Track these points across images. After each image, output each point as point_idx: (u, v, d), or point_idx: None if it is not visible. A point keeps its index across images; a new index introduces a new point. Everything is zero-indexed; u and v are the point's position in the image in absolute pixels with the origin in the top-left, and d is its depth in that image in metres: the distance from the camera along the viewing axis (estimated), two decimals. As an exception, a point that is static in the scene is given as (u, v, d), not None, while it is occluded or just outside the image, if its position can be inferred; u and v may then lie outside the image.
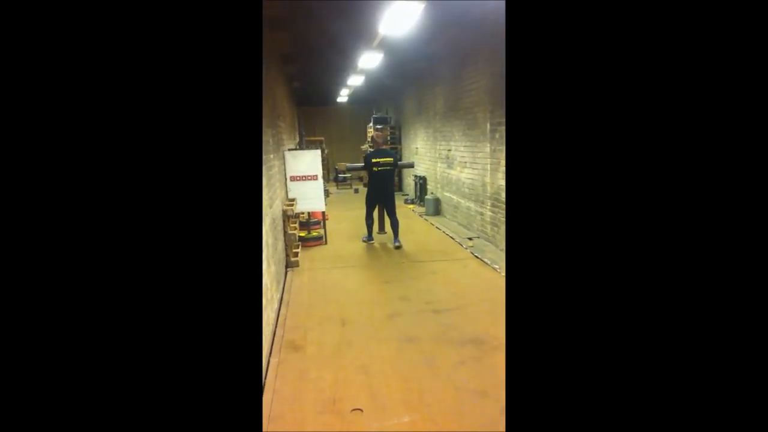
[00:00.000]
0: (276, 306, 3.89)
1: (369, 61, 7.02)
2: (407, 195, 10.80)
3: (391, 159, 6.12)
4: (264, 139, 3.76)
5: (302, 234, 6.32)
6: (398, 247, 6.04)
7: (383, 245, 6.33)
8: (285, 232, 5.11)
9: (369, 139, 6.42)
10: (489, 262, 5.20)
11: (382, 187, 6.12)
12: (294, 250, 5.40)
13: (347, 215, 8.72)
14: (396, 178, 11.77)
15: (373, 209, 6.37)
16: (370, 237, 6.47)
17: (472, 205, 6.80)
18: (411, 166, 7.58)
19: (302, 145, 9.79)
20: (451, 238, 6.58)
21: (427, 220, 8.09)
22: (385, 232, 6.67)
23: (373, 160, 6.03)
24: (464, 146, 6.95)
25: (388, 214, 6.29)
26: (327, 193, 9.34)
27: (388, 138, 11.49)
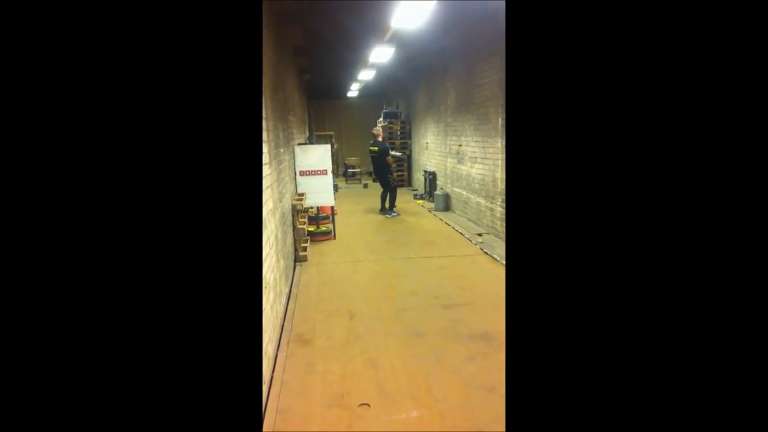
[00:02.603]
0: (284, 300, 3.91)
1: (380, 55, 6.99)
2: (416, 190, 10.76)
3: (377, 148, 8.24)
4: (275, 133, 3.76)
5: (311, 228, 6.33)
6: (382, 212, 8.23)
7: (392, 240, 6.33)
8: (294, 227, 5.12)
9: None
10: (498, 258, 5.17)
11: (375, 166, 8.66)
12: (303, 245, 5.42)
13: (356, 210, 8.72)
14: (405, 173, 11.84)
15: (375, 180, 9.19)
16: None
17: (482, 201, 6.76)
18: (397, 155, 8.99)
19: (312, 140, 9.81)
20: (461, 233, 6.56)
21: (436, 215, 8.06)
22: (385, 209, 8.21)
23: (370, 148, 8.48)
24: (475, 141, 6.91)
25: (381, 186, 8.46)
26: (336, 188, 9.35)
27: (390, 133, 11.68)
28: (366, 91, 13.95)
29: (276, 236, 3.50)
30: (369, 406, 2.48)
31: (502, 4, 5.05)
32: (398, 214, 8.05)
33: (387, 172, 8.27)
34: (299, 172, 5.79)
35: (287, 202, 4.74)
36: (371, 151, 8.40)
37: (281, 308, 3.61)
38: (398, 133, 11.75)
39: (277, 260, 3.50)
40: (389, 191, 8.19)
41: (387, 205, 8.20)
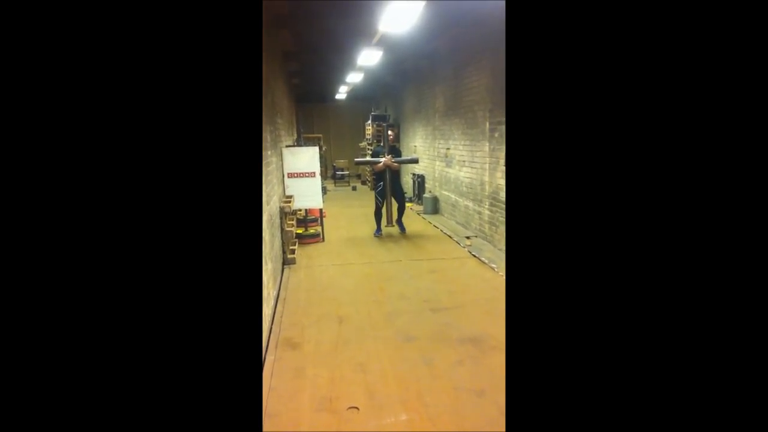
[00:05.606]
0: (272, 303, 3.87)
1: (368, 58, 7.00)
2: (405, 193, 10.76)
3: None
4: (262, 135, 3.74)
5: (299, 231, 6.30)
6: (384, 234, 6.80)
7: (382, 244, 6.32)
8: (282, 229, 5.09)
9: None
10: (487, 262, 5.19)
11: None
12: (291, 247, 5.38)
13: (345, 212, 8.70)
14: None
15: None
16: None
17: (470, 204, 6.79)
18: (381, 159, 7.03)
19: (300, 142, 9.77)
20: (449, 236, 6.57)
21: (425, 218, 8.07)
22: (393, 225, 6.96)
23: None
24: (463, 145, 6.94)
25: None
26: (325, 191, 9.32)
27: (379, 136, 11.36)
28: (355, 94, 13.95)
29: (264, 238, 3.47)
30: (358, 409, 2.47)
31: (490, 10, 5.10)
32: (380, 234, 6.73)
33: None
34: (287, 175, 5.75)
35: (275, 205, 4.71)
36: None
37: (269, 312, 3.57)
38: (389, 135, 11.73)
39: (265, 263, 3.47)
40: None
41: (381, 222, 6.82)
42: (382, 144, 7.36)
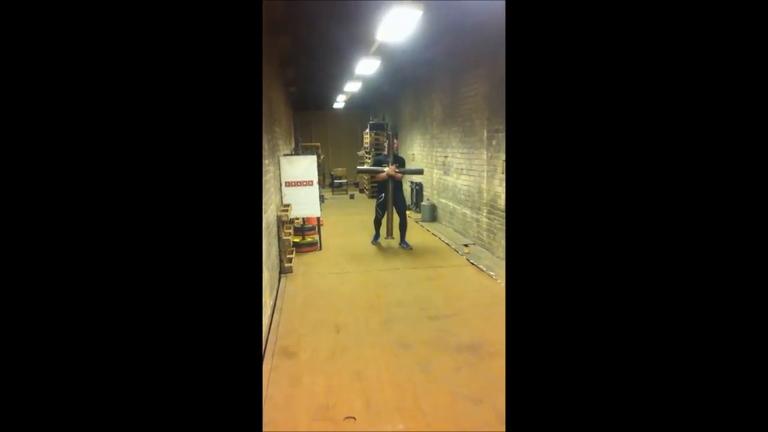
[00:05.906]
0: (269, 312, 3.85)
1: (366, 67, 7.04)
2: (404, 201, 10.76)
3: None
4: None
5: (297, 240, 6.29)
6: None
7: (379, 252, 6.31)
8: (279, 238, 5.08)
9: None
10: (485, 269, 5.18)
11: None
12: (288, 256, 5.37)
13: (343, 220, 8.69)
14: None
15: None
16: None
17: (468, 211, 6.79)
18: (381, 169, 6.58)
19: (298, 151, 9.78)
20: (447, 244, 6.56)
21: (423, 226, 8.07)
22: (392, 237, 6.52)
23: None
24: (461, 153, 6.96)
25: None
26: (322, 199, 9.31)
27: (377, 144, 11.51)
28: (352, 103, 14.01)
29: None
30: (355, 419, 2.45)
31: (487, 18, 5.14)
32: (378, 241, 6.60)
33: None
34: (285, 183, 5.75)
35: (272, 214, 4.70)
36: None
37: (266, 321, 3.55)
38: (384, 144, 11.79)
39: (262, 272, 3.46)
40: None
41: (381, 231, 6.56)
42: (385, 152, 6.87)
